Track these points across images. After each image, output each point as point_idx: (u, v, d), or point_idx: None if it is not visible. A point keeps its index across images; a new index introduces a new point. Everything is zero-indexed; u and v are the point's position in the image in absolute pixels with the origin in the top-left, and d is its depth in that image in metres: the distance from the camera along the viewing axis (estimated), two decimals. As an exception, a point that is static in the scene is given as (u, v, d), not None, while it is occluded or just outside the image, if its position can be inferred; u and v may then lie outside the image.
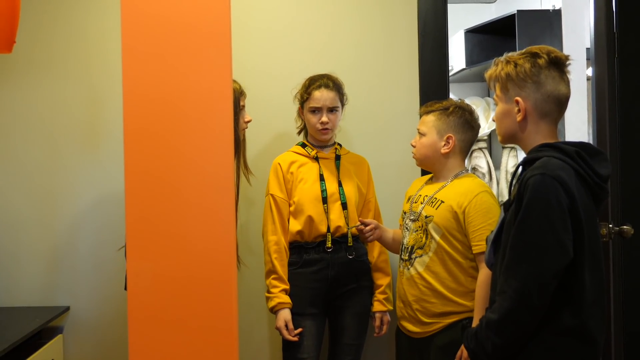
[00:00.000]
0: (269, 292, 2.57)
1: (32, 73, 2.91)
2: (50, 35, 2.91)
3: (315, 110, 2.63)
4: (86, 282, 2.90)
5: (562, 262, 1.68)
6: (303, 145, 2.72)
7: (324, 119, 2.62)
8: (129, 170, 1.49)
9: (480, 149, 4.69)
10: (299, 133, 2.80)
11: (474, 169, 4.64)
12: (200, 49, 1.51)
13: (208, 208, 1.52)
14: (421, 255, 2.39)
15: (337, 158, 2.71)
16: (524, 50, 1.89)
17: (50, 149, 2.91)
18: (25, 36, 2.88)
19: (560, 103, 1.85)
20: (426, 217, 2.39)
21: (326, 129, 2.63)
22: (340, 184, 2.66)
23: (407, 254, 2.43)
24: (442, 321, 2.36)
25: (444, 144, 2.43)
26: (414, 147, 2.52)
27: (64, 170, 2.91)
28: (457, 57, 4.56)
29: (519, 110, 1.85)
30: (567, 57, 1.85)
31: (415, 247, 2.41)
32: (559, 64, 1.84)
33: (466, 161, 4.75)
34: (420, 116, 2.54)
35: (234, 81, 2.34)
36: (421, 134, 2.48)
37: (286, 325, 2.54)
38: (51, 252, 2.90)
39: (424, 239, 2.39)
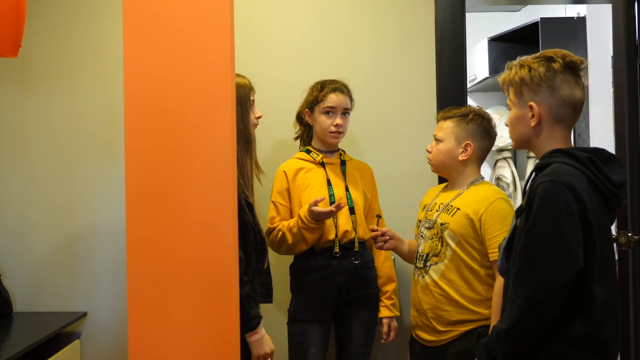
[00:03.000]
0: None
1: (48, 81, 2.96)
2: (66, 43, 2.96)
3: (330, 112, 2.62)
4: (104, 288, 2.93)
5: (572, 271, 1.65)
6: (308, 152, 2.71)
7: (339, 121, 2.62)
8: (129, 173, 1.50)
9: (504, 158, 4.64)
10: (297, 139, 2.80)
11: (498, 179, 4.60)
12: (202, 52, 1.52)
13: (209, 211, 1.52)
14: (436, 263, 2.36)
15: (343, 163, 2.71)
16: (538, 54, 1.84)
17: (68, 156, 2.95)
18: (41, 44, 2.95)
19: (576, 108, 1.81)
20: (442, 224, 2.36)
21: (339, 132, 2.63)
22: (347, 189, 2.65)
23: (422, 262, 2.41)
24: (457, 329, 2.33)
25: (462, 151, 2.41)
26: (429, 152, 2.49)
27: (82, 177, 2.95)
28: (480, 66, 4.53)
29: (533, 116, 1.81)
30: (582, 61, 1.80)
31: (430, 255, 2.39)
32: (574, 68, 1.80)
33: (490, 171, 4.80)
34: (438, 121, 2.51)
35: (243, 77, 2.35)
36: (438, 140, 2.45)
37: None
38: (69, 258, 2.94)
39: (439, 246, 2.36)
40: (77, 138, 2.95)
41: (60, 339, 2.82)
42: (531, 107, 1.81)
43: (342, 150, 2.76)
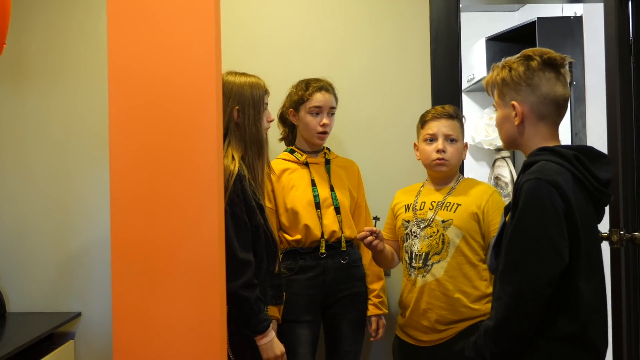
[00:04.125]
0: None
1: (45, 80, 2.96)
2: (63, 43, 2.96)
3: (316, 112, 2.60)
4: (98, 288, 2.92)
5: (557, 268, 1.65)
6: (291, 152, 2.69)
7: (325, 120, 2.60)
8: (114, 170, 1.51)
9: (503, 158, 4.65)
10: (282, 140, 2.78)
11: (497, 178, 4.61)
12: (186, 48, 1.52)
13: (194, 210, 1.52)
14: (439, 261, 2.37)
15: (327, 162, 2.69)
16: (519, 54, 1.86)
17: (63, 156, 2.95)
18: (38, 43, 2.95)
19: (558, 104, 1.82)
20: (443, 221, 2.37)
21: (325, 132, 2.62)
22: (332, 189, 2.64)
23: (422, 261, 2.40)
24: (457, 326, 2.35)
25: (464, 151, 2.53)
26: (443, 152, 2.44)
27: (76, 176, 2.95)
28: (479, 65, 4.53)
29: (516, 115, 1.82)
30: (563, 58, 1.81)
31: (431, 254, 2.39)
32: (554, 65, 1.80)
33: (489, 170, 4.80)
34: (436, 119, 2.49)
35: (258, 77, 2.32)
36: (453, 140, 2.47)
37: None
38: (64, 258, 2.94)
39: (440, 244, 2.37)
40: (73, 138, 2.95)
41: (54, 339, 2.83)
42: (514, 106, 1.82)
43: (327, 148, 2.75)
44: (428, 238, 2.40)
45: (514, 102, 1.82)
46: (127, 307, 1.52)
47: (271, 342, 2.19)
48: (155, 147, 1.52)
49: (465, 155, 2.53)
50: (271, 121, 2.36)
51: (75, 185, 2.95)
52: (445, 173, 2.49)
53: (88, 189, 2.94)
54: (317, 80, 2.65)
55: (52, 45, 2.96)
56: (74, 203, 2.94)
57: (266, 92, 2.33)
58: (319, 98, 2.60)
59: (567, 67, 1.83)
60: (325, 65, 2.95)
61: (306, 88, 2.62)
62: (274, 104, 2.80)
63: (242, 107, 2.24)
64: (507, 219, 1.82)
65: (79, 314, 2.90)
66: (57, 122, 2.96)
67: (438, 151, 2.44)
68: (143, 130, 1.52)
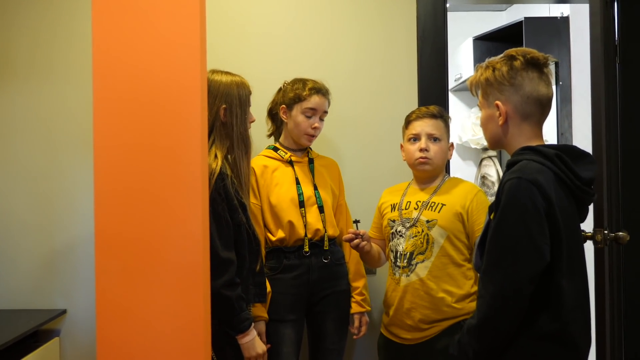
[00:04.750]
0: None
1: (33, 77, 2.94)
2: (51, 40, 2.94)
3: (310, 114, 2.60)
4: (84, 285, 2.91)
5: (537, 267, 1.66)
6: (275, 149, 2.68)
7: (317, 124, 2.61)
8: (98, 168, 1.51)
9: (489, 157, 4.67)
10: (270, 135, 2.78)
11: (484, 177, 4.62)
12: (171, 44, 1.52)
13: (178, 207, 1.52)
14: (423, 261, 2.38)
15: (311, 161, 2.69)
16: (502, 54, 1.88)
17: (49, 153, 2.93)
18: (26, 40, 2.93)
19: (542, 104, 1.83)
20: (428, 221, 2.38)
21: (314, 135, 2.62)
22: (315, 188, 2.64)
23: (406, 261, 2.41)
24: (440, 325, 2.36)
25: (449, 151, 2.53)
26: (426, 151, 2.46)
27: (63, 173, 2.93)
28: (466, 65, 4.55)
29: (500, 114, 1.83)
30: (545, 58, 1.83)
31: (415, 253, 2.39)
32: (537, 65, 1.82)
33: (475, 169, 4.81)
34: (420, 119, 2.51)
35: (243, 78, 2.32)
36: (436, 139, 2.48)
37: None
38: (49, 255, 2.92)
39: (424, 244, 2.38)
40: (59, 134, 2.93)
41: (39, 337, 2.81)
42: (497, 106, 1.83)
43: (309, 147, 2.74)
44: (413, 238, 2.41)
45: (497, 102, 1.83)
46: (111, 304, 1.51)
47: (252, 340, 2.20)
48: (140, 143, 1.52)
49: (451, 155, 2.54)
50: (252, 122, 2.35)
51: (60, 182, 2.93)
52: (430, 172, 2.49)
53: (73, 185, 2.93)
54: (314, 81, 2.64)
55: (40, 43, 2.94)
56: (60, 200, 2.93)
57: (250, 92, 2.33)
58: (315, 100, 2.59)
59: (550, 67, 1.84)
60: (311, 64, 2.96)
61: (303, 88, 2.60)
62: (259, 102, 2.79)
63: (229, 106, 2.23)
64: (491, 217, 1.83)
65: (64, 311, 2.89)
66: (43, 119, 2.94)
67: (421, 150, 2.45)
68: (128, 127, 1.52)
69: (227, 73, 2.30)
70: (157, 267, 1.52)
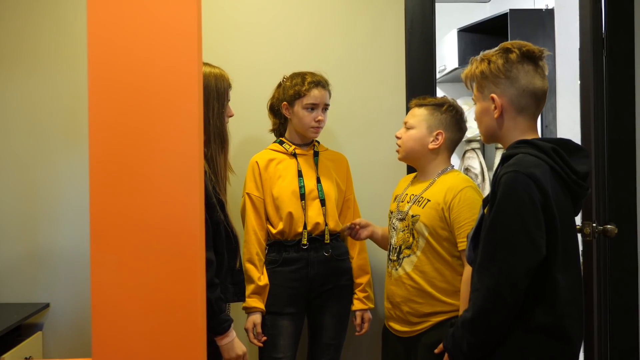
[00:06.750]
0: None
1: (19, 69, 2.88)
2: (37, 31, 2.88)
3: (312, 108, 2.57)
4: (67, 279, 2.87)
5: (534, 260, 1.66)
6: (281, 143, 2.66)
7: (320, 117, 2.59)
8: (93, 159, 1.47)
9: (473, 149, 4.67)
10: (273, 131, 2.75)
11: (467, 170, 4.63)
12: (168, 31, 1.48)
13: (174, 199, 1.49)
14: (409, 255, 2.36)
15: (316, 154, 2.67)
16: (497, 47, 1.87)
17: (33, 145, 2.88)
18: (11, 32, 2.87)
19: (537, 97, 1.83)
20: (412, 216, 2.36)
21: (320, 127, 2.60)
22: (318, 180, 2.62)
23: (396, 255, 2.41)
24: (430, 320, 2.34)
25: (433, 140, 2.39)
26: (398, 139, 2.47)
27: (46, 165, 2.88)
28: (450, 57, 4.55)
29: (495, 107, 1.83)
30: (541, 51, 1.82)
31: (403, 247, 2.38)
32: (532, 58, 1.82)
33: (459, 162, 4.82)
34: (410, 108, 2.49)
35: (223, 70, 2.25)
36: (408, 127, 2.43)
37: (254, 329, 2.53)
38: (32, 248, 2.88)
39: (411, 238, 2.36)
40: (41, 127, 2.88)
41: (22, 331, 2.77)
42: (493, 99, 1.83)
43: (317, 141, 2.71)
44: (402, 232, 2.40)
45: (493, 95, 1.82)
46: (106, 298, 1.49)
47: (232, 342, 2.14)
48: (136, 131, 1.48)
49: (437, 145, 2.45)
50: (230, 116, 2.28)
51: (45, 175, 2.88)
52: (409, 161, 2.52)
53: (59, 178, 2.88)
54: (312, 74, 2.61)
55: (26, 34, 2.88)
56: (44, 192, 2.88)
57: (230, 85, 2.25)
58: (315, 94, 2.57)
59: (544, 59, 1.84)
60: (298, 54, 2.93)
61: (302, 83, 2.57)
62: (245, 91, 2.78)
63: (205, 99, 2.10)
64: (485, 211, 1.83)
65: (47, 305, 2.85)
66: (29, 111, 2.89)
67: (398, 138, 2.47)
68: (123, 116, 1.48)
69: (206, 64, 2.20)
70: (153, 259, 1.50)
